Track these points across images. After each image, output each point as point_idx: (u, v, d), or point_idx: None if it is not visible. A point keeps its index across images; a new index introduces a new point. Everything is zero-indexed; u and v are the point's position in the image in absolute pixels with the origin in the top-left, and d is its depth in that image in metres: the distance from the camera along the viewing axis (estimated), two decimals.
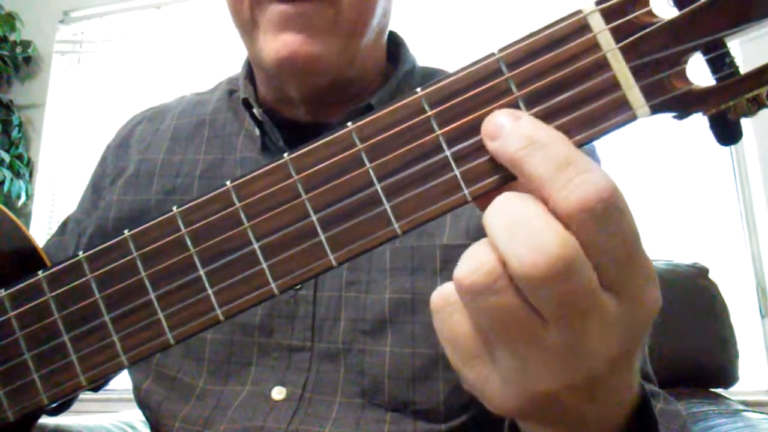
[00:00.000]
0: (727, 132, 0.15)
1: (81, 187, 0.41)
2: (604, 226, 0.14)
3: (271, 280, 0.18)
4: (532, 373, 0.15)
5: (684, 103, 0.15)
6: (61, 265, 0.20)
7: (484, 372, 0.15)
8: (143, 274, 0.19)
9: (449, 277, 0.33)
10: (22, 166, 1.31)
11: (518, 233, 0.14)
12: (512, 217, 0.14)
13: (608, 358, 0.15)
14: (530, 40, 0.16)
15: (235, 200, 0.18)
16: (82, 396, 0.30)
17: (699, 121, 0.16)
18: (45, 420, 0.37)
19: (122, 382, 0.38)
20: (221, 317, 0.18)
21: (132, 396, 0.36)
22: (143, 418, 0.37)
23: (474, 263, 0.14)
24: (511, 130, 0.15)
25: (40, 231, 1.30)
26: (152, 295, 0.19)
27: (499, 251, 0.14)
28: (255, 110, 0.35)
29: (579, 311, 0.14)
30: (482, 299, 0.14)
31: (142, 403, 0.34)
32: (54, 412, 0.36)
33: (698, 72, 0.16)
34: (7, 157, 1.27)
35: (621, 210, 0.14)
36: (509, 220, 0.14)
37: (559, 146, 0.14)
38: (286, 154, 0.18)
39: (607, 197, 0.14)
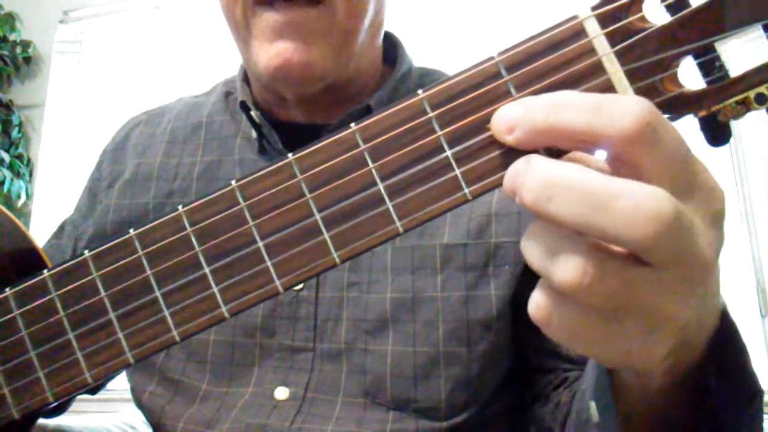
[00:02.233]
0: (717, 133, 0.16)
1: (81, 187, 0.42)
2: (662, 134, 0.14)
3: (275, 277, 0.18)
4: (667, 313, 0.14)
5: (676, 105, 0.16)
6: (67, 264, 0.20)
7: (621, 343, 0.15)
8: (149, 272, 0.19)
9: (449, 276, 0.33)
10: (22, 166, 1.31)
11: (621, 208, 0.13)
12: (594, 193, 0.13)
13: (716, 252, 0.15)
14: (528, 44, 0.16)
15: (240, 199, 0.18)
16: (82, 396, 0.31)
17: (695, 123, 0.17)
18: (45, 420, 0.37)
19: (122, 382, 0.38)
20: (226, 314, 0.19)
21: (131, 395, 0.36)
22: (145, 418, 0.37)
23: (576, 262, 0.13)
24: (527, 111, 0.15)
25: (40, 231, 1.30)
26: (158, 293, 0.19)
27: (597, 232, 0.13)
28: (253, 113, 0.35)
29: (689, 238, 0.14)
30: (601, 287, 0.14)
31: (145, 406, 0.34)
32: (50, 415, 0.36)
33: (690, 75, 0.16)
34: (7, 157, 1.27)
35: (663, 117, 0.14)
36: (593, 200, 0.13)
37: (579, 96, 0.14)
38: (290, 154, 0.18)
39: (652, 109, 0.14)
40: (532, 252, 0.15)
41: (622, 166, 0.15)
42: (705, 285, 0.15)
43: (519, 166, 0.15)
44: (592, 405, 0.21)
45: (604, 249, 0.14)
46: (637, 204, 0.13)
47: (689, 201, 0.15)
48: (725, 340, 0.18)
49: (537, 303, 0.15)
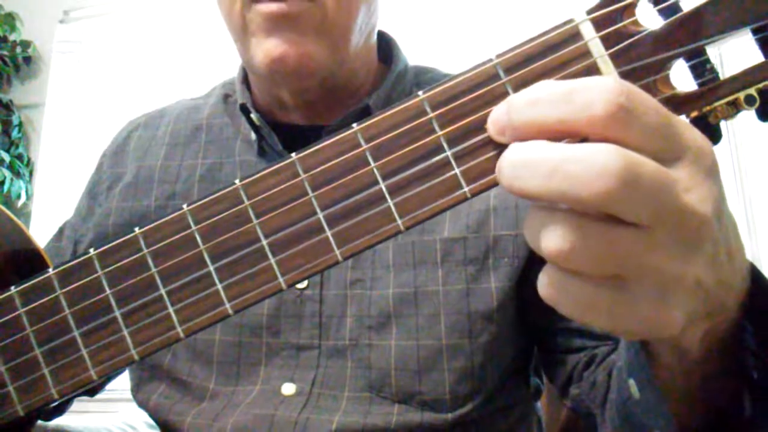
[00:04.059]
0: (708, 134, 0.16)
1: (81, 187, 0.42)
2: (637, 111, 0.14)
3: (279, 274, 0.18)
4: (669, 272, 0.14)
5: (669, 106, 0.16)
6: (72, 262, 0.21)
7: (632, 310, 0.15)
8: (154, 270, 0.19)
9: (450, 269, 0.33)
10: (22, 166, 1.31)
11: (572, 170, 0.14)
12: (548, 163, 0.14)
13: (713, 207, 0.15)
14: (526, 46, 0.17)
15: (244, 198, 0.19)
16: (82, 396, 0.31)
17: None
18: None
19: (122, 382, 0.38)
20: (230, 311, 0.19)
21: (132, 396, 0.36)
22: (146, 418, 0.37)
23: (555, 231, 0.14)
24: (508, 113, 0.15)
25: (40, 231, 1.30)
26: (162, 291, 0.19)
27: (560, 198, 0.14)
28: (252, 115, 0.35)
29: (665, 194, 0.14)
30: (586, 252, 0.14)
31: (153, 408, 0.35)
32: (50, 417, 0.36)
33: (682, 78, 0.17)
34: (7, 157, 1.27)
35: (636, 92, 0.14)
36: (547, 169, 0.14)
37: (551, 87, 0.15)
38: (293, 154, 0.18)
39: (623, 89, 0.14)
40: (526, 234, 0.15)
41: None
42: (709, 241, 0.15)
43: (501, 157, 0.16)
44: (632, 382, 0.21)
45: (582, 215, 0.14)
46: (584, 163, 0.14)
47: (679, 162, 0.15)
48: (759, 300, 0.18)
49: (543, 283, 0.16)
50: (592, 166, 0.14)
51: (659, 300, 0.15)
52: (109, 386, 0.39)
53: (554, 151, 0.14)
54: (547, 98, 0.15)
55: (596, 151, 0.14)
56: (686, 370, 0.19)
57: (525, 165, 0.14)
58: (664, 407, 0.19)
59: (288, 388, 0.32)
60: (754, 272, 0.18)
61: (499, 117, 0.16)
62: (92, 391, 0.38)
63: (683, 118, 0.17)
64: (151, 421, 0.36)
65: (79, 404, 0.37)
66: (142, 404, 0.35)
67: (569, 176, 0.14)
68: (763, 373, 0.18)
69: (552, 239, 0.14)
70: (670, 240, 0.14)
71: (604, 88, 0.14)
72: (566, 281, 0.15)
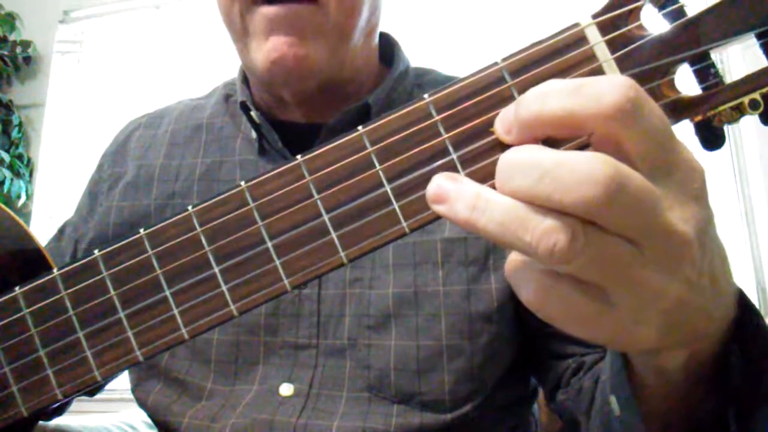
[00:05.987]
0: (711, 138, 0.16)
1: (81, 187, 0.42)
2: (644, 110, 0.14)
3: (283, 276, 0.19)
4: (652, 291, 0.14)
5: (673, 110, 0.16)
6: (77, 264, 0.21)
7: (615, 323, 0.15)
8: (158, 271, 0.20)
9: (451, 270, 0.33)
10: (22, 166, 1.31)
11: (560, 175, 0.13)
12: (539, 166, 0.14)
13: (695, 229, 0.15)
14: (531, 50, 0.17)
15: (249, 200, 0.19)
16: (82, 396, 0.31)
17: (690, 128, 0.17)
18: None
19: (122, 382, 0.38)
20: (235, 313, 0.19)
21: (132, 396, 0.36)
22: (144, 418, 0.37)
23: (549, 232, 0.14)
24: (517, 108, 0.16)
25: (40, 231, 1.30)
26: (167, 292, 0.19)
27: (547, 201, 0.14)
28: (252, 113, 0.35)
29: (648, 210, 0.14)
30: (581, 257, 0.14)
31: (151, 407, 0.35)
32: (48, 417, 0.36)
33: (687, 82, 0.17)
34: (7, 157, 1.27)
35: (645, 94, 0.14)
36: (538, 172, 0.14)
37: (563, 82, 0.15)
38: (299, 156, 0.18)
39: (633, 85, 0.14)
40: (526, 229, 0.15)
41: (606, 146, 0.15)
42: (688, 262, 0.15)
43: (499, 159, 0.15)
44: (613, 399, 0.22)
45: (580, 220, 0.14)
46: (572, 168, 0.14)
47: (670, 178, 0.15)
48: (747, 325, 0.18)
49: (534, 288, 0.15)
50: (578, 172, 0.14)
51: (636, 314, 0.15)
52: (109, 386, 0.39)
53: (547, 155, 0.14)
54: (556, 90, 0.15)
55: (586, 158, 0.14)
56: (668, 391, 0.19)
57: (519, 167, 0.15)
58: (640, 427, 0.20)
59: (286, 389, 0.32)
60: (742, 298, 0.18)
61: (506, 115, 0.16)
62: (92, 391, 0.38)
63: (687, 121, 0.17)
64: (150, 421, 0.36)
65: (79, 404, 0.37)
66: (141, 402, 0.35)
67: (556, 180, 0.14)
68: (749, 392, 0.18)
69: (550, 236, 0.14)
70: (654, 257, 0.15)
71: (615, 82, 0.14)
72: (551, 287, 0.15)
